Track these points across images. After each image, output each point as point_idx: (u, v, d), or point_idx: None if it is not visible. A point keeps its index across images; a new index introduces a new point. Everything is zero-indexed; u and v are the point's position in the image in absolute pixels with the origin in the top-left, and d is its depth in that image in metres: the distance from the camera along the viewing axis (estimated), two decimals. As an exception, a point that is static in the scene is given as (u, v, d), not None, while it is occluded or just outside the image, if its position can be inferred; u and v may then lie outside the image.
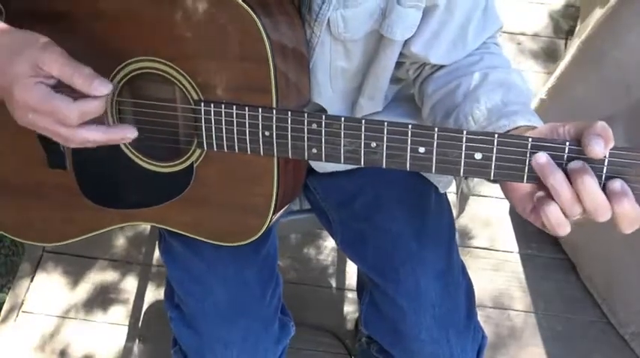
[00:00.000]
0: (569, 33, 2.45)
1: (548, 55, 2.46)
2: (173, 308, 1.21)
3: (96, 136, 0.89)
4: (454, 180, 1.25)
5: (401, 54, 1.07)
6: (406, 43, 1.04)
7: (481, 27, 1.05)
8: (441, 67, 1.08)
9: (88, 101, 0.86)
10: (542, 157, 0.77)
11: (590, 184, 0.74)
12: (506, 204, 2.08)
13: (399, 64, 1.11)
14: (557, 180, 0.75)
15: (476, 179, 2.03)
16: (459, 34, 1.04)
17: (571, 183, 0.75)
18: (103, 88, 0.86)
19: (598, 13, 1.72)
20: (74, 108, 0.85)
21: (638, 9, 1.58)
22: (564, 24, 2.56)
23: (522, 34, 2.54)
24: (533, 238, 2.01)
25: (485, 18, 1.05)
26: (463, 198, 1.09)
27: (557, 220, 0.77)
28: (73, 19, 0.96)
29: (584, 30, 1.76)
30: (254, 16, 0.89)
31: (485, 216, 2.07)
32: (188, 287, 1.16)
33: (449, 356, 1.12)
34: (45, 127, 0.87)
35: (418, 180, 1.22)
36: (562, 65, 1.83)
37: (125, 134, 0.92)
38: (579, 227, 0.80)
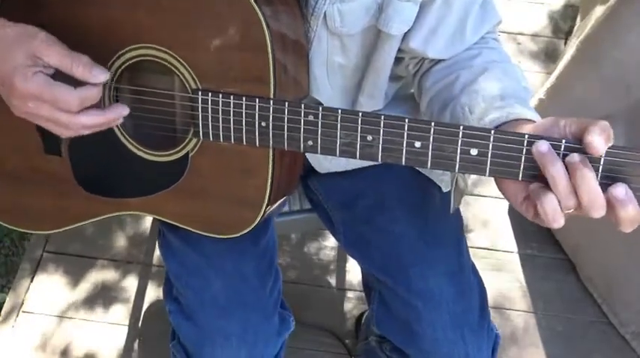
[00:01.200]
0: (569, 33, 2.45)
1: (548, 55, 2.46)
2: (172, 301, 1.20)
3: (94, 120, 0.92)
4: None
5: (400, 49, 1.07)
6: (404, 38, 1.05)
7: (479, 21, 1.05)
8: (440, 60, 1.08)
9: (87, 88, 0.89)
10: (543, 145, 0.77)
11: (588, 178, 0.75)
12: (505, 204, 2.07)
13: (398, 60, 1.11)
14: (557, 169, 0.76)
15: (474, 176, 2.04)
16: (457, 28, 1.04)
17: (570, 176, 0.75)
18: (101, 75, 0.90)
19: (598, 12, 1.72)
20: (75, 94, 0.88)
21: (638, 9, 1.58)
22: (564, 24, 2.56)
23: (521, 34, 2.54)
24: (533, 238, 2.01)
25: (484, 12, 1.05)
26: (458, 192, 1.09)
27: (554, 211, 0.77)
28: (71, 5, 0.97)
29: (583, 28, 1.76)
30: (254, 4, 0.89)
31: (485, 216, 2.07)
32: (187, 281, 1.16)
33: (464, 356, 1.11)
34: (45, 115, 0.90)
35: (421, 180, 1.21)
36: (561, 65, 1.83)
37: (121, 113, 0.95)
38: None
